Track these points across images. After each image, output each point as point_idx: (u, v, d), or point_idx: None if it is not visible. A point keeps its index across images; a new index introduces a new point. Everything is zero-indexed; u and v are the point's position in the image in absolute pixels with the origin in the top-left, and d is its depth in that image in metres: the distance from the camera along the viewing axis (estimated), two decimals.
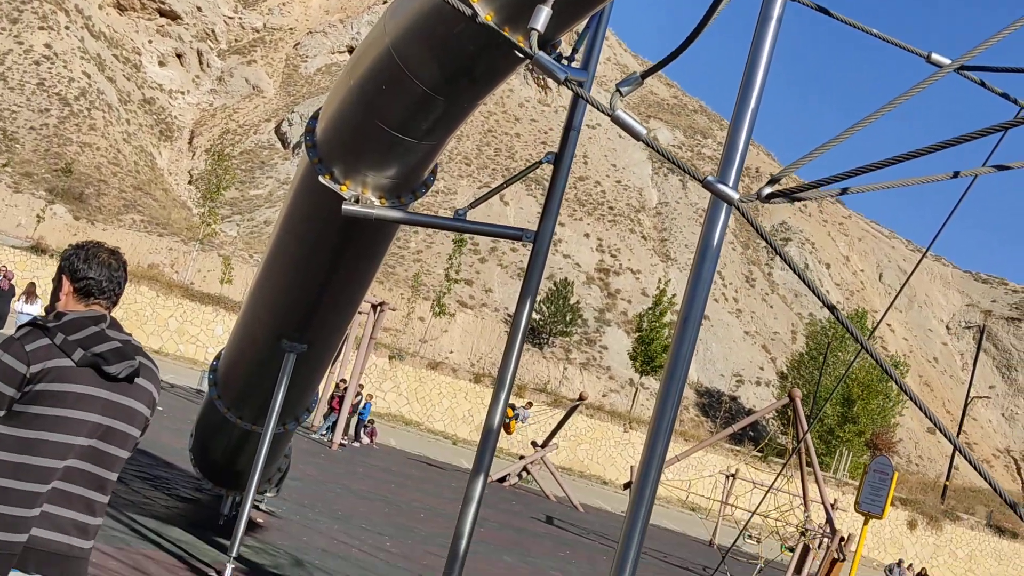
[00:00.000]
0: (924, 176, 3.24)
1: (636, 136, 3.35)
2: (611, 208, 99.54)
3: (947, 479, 67.53)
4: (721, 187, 3.34)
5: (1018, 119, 3.01)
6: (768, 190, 3.22)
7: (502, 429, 26.61)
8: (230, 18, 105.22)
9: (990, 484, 3.00)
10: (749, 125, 3.66)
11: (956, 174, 3.44)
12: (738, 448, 58.05)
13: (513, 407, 34.38)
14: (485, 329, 75.05)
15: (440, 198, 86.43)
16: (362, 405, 32.28)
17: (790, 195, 3.19)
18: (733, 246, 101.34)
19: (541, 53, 3.58)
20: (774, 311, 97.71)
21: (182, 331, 45.98)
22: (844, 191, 3.31)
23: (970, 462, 2.94)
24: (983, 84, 4.51)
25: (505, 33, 5.49)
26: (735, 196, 3.32)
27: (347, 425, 29.47)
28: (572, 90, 3.64)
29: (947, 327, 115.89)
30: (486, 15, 5.56)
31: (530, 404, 36.52)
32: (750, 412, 76.26)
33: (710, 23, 3.29)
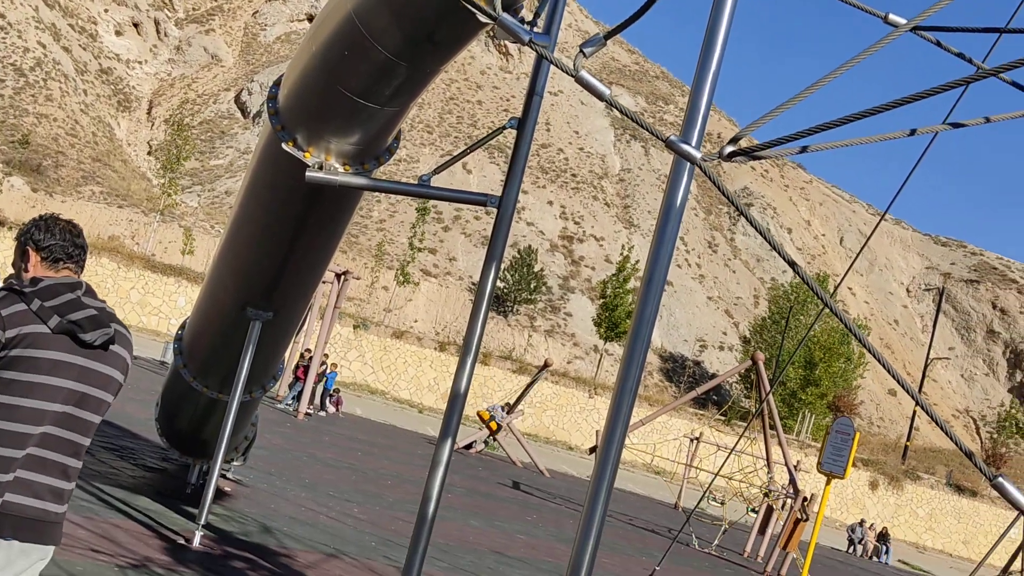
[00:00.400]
0: (883, 134, 3.29)
1: (600, 96, 3.37)
2: (574, 175, 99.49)
3: (908, 440, 68.47)
4: (684, 146, 3.38)
5: (977, 75, 3.06)
6: (730, 149, 3.26)
7: (486, 428, 26.25)
8: None
9: (948, 435, 3.07)
10: (711, 84, 3.69)
11: (913, 131, 3.50)
12: (702, 412, 58.53)
13: (490, 412, 33.51)
14: (449, 298, 75.02)
15: (403, 166, 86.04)
16: (327, 373, 32.28)
17: (751, 153, 3.24)
18: (696, 212, 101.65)
19: (505, 15, 3.60)
20: (737, 276, 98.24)
21: (144, 303, 45.69)
22: (804, 149, 3.35)
23: (929, 414, 3.01)
24: (939, 44, 4.57)
25: None
26: (697, 155, 3.36)
27: (312, 394, 29.44)
28: (537, 51, 3.65)
29: (907, 290, 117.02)
30: None
31: (509, 407, 33.92)
32: (713, 376, 76.81)
33: None
